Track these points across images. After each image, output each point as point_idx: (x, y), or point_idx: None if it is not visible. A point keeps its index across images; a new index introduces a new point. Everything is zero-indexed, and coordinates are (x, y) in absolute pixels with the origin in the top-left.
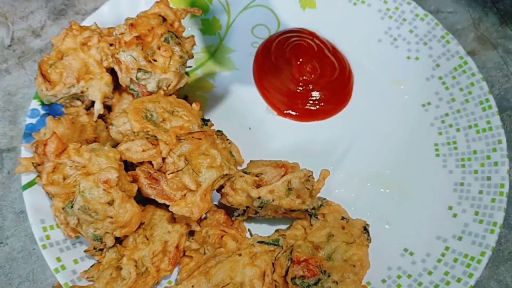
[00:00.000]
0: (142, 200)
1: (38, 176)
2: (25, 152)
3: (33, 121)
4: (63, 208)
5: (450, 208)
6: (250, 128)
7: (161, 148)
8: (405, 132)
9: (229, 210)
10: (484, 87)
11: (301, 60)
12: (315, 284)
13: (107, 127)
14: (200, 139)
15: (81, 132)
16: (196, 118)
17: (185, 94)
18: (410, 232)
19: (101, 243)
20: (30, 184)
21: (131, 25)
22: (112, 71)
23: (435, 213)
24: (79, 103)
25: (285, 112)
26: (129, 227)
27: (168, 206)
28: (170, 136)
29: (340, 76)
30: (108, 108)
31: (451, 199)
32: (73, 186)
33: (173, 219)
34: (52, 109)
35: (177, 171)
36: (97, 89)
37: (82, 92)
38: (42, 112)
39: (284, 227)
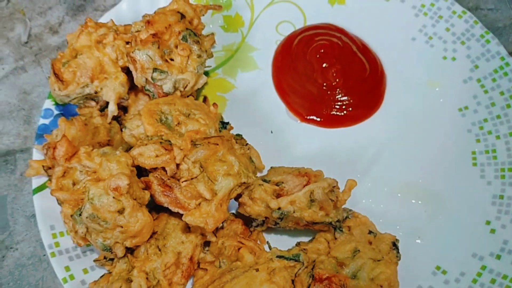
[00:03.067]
0: (155, 208)
1: (49, 180)
2: (37, 154)
3: (46, 121)
4: (71, 216)
5: (488, 223)
6: (272, 132)
7: (175, 154)
8: (440, 138)
9: (248, 220)
10: None
11: (325, 64)
12: None
13: (121, 130)
14: (217, 144)
15: (94, 134)
16: (213, 121)
17: (204, 95)
18: (443, 248)
19: (111, 253)
20: (41, 188)
21: (148, 22)
22: (128, 71)
23: (471, 228)
24: (93, 103)
25: (307, 117)
26: (140, 237)
27: (182, 215)
28: (184, 141)
29: (371, 77)
30: (123, 109)
31: (489, 213)
32: (82, 192)
33: (187, 228)
34: (66, 110)
35: (192, 178)
36: (112, 89)
37: (96, 92)
38: (55, 112)
39: (306, 239)
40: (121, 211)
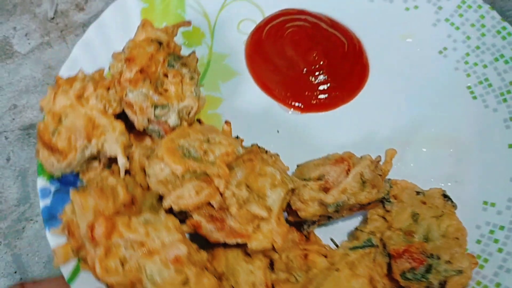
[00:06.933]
0: (205, 246)
1: (81, 261)
2: (54, 238)
3: (47, 202)
4: None
5: (510, 146)
6: (278, 131)
7: (216, 184)
8: (432, 84)
9: (297, 225)
10: (496, 16)
11: (304, 49)
12: (428, 271)
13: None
14: (252, 160)
15: (114, 197)
16: (234, 139)
17: (197, 118)
18: (482, 184)
19: None
20: (74, 274)
21: (128, 59)
22: (119, 117)
23: (496, 154)
24: (96, 164)
25: (292, 104)
26: None
27: (239, 245)
28: (220, 167)
29: (351, 49)
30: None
31: (509, 137)
32: (136, 271)
33: (247, 255)
34: (63, 181)
35: (243, 202)
36: (114, 142)
37: (98, 151)
38: (53, 188)
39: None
40: (185, 282)
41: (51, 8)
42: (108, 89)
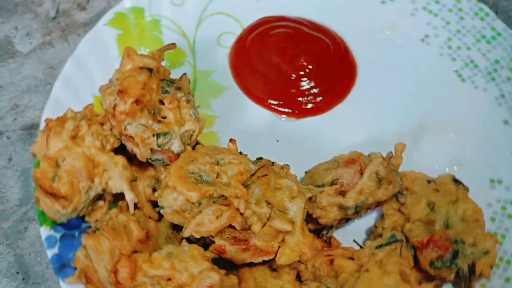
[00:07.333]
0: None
1: None
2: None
3: (55, 251)
4: None
5: (506, 122)
6: (278, 141)
7: (236, 205)
8: (419, 72)
9: (316, 232)
10: None
11: (292, 55)
12: (455, 257)
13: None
14: (266, 175)
15: (128, 235)
16: (243, 157)
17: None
18: (485, 161)
19: None
20: None
21: (121, 91)
22: (116, 151)
23: (492, 131)
24: (101, 203)
25: (290, 112)
26: None
27: (265, 262)
28: (236, 187)
29: (336, 50)
30: None
31: (502, 113)
32: None
33: (273, 271)
34: (67, 226)
35: (265, 219)
36: (119, 177)
37: (103, 189)
38: (58, 236)
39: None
40: None
41: (53, 8)
42: (102, 124)
